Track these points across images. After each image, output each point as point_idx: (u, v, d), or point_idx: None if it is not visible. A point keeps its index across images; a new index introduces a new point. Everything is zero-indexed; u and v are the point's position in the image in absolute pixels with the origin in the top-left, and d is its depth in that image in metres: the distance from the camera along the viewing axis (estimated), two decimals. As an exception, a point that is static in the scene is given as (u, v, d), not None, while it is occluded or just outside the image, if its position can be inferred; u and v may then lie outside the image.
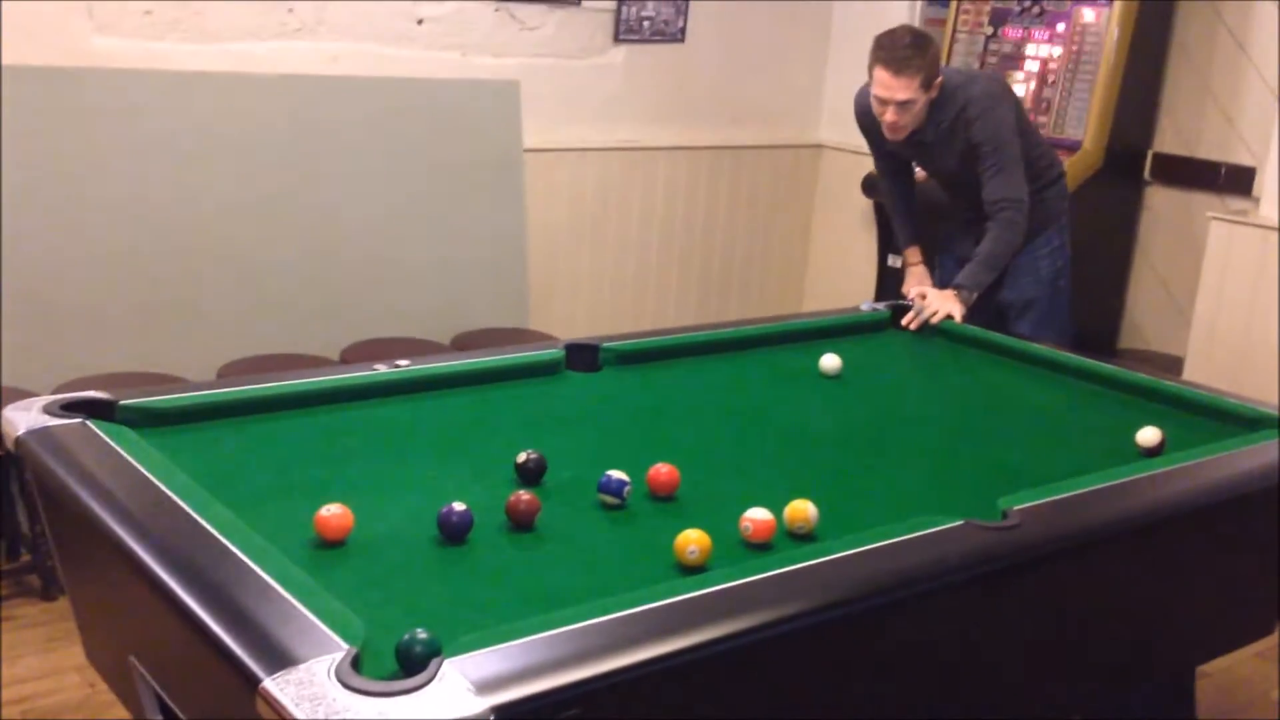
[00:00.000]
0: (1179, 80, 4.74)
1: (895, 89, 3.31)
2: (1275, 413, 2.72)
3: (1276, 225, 4.10)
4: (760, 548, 1.99)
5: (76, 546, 2.20)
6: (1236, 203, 4.53)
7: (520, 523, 2.03)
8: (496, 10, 4.43)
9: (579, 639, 1.58)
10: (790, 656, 1.76)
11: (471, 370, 2.75)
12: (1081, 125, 4.58)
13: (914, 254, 3.79)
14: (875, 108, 3.41)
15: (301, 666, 1.46)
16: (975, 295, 3.43)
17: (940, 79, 3.39)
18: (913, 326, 3.34)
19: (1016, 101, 3.58)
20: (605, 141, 4.83)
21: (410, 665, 1.50)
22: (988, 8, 4.88)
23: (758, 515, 2.01)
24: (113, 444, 2.13)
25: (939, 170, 3.69)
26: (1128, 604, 2.31)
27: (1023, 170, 3.45)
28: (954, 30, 4.98)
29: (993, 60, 4.88)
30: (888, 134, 3.45)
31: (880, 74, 3.34)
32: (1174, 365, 4.33)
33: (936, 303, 3.37)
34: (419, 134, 4.18)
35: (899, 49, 3.30)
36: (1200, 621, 2.57)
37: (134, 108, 3.68)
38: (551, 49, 4.61)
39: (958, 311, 3.35)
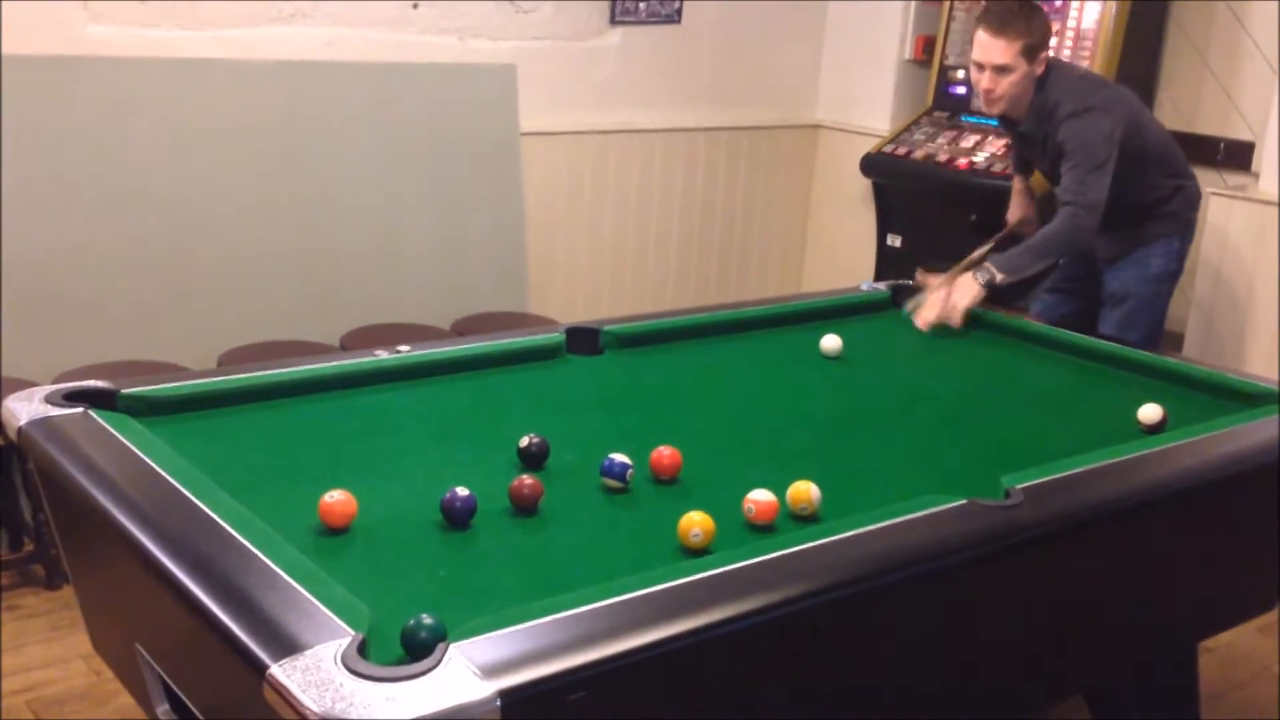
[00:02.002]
0: (1177, 55, 4.73)
1: (992, 51, 3.20)
2: (1275, 388, 2.73)
3: (1275, 200, 4.09)
4: (763, 529, 1.99)
5: (80, 536, 2.21)
6: (1235, 178, 4.53)
7: (523, 507, 2.03)
8: (492, -7, 4.42)
9: (584, 622, 1.58)
10: (795, 638, 1.76)
11: (472, 355, 2.75)
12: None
13: (1019, 180, 3.64)
14: (972, 75, 3.30)
15: (308, 653, 1.47)
16: (1000, 279, 3.21)
17: (1046, 53, 3.25)
18: (918, 323, 3.18)
19: (1132, 115, 3.41)
20: (602, 124, 4.82)
21: (416, 650, 1.51)
22: (985, -15, 4.87)
23: (760, 497, 2.01)
24: (115, 433, 2.14)
25: (1045, 171, 3.59)
26: (1130, 581, 2.31)
27: (1106, 179, 3.27)
28: (951, 7, 4.97)
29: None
30: (983, 105, 3.33)
31: (979, 34, 3.23)
32: (1174, 341, 4.33)
33: (937, 307, 3.18)
34: (416, 119, 4.17)
35: (1002, 9, 3.20)
36: (1203, 597, 2.58)
37: (130, 96, 3.67)
38: (548, 32, 4.59)
39: (956, 317, 3.17)
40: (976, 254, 3.36)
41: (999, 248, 3.38)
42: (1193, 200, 3.67)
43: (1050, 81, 3.32)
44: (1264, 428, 2.53)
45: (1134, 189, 3.49)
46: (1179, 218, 3.63)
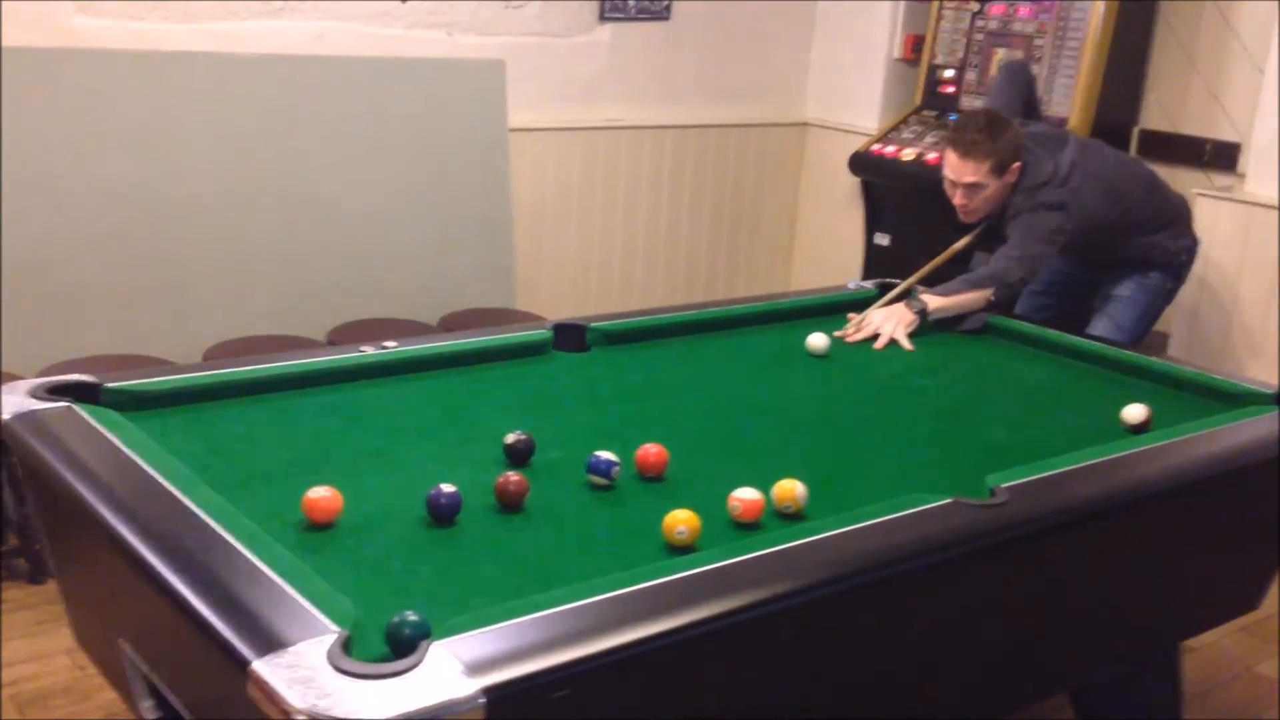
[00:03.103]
0: (1165, 56, 4.74)
1: (962, 172, 3.29)
2: (1261, 388, 2.74)
3: (1261, 201, 4.11)
4: (749, 527, 1.99)
5: (64, 530, 2.20)
6: (1221, 179, 4.54)
7: (509, 504, 2.03)
8: (481, -12, 4.41)
9: (569, 620, 1.58)
10: (779, 635, 1.76)
11: (459, 351, 2.75)
12: (1067, 101, 4.58)
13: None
14: (946, 188, 3.38)
15: (292, 649, 1.46)
16: (933, 308, 3.19)
17: (1018, 165, 3.30)
18: (848, 339, 3.12)
19: (1095, 203, 3.41)
20: (591, 120, 4.82)
21: (400, 647, 1.50)
22: (974, -17, 4.88)
23: (746, 495, 2.01)
24: (98, 427, 2.13)
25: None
26: (1115, 580, 2.32)
27: (1044, 251, 3.34)
28: (940, 6, 4.97)
29: (979, 37, 4.88)
30: (960, 215, 3.41)
31: (948, 155, 3.33)
32: (1160, 342, 4.35)
33: (878, 321, 3.16)
34: (404, 114, 4.16)
35: (968, 132, 3.28)
36: (1186, 596, 2.59)
37: (116, 89, 3.65)
38: (537, 28, 4.58)
39: (901, 333, 3.12)
40: (907, 282, 3.37)
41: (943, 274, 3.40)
42: (1179, 235, 3.70)
43: (1019, 183, 3.35)
44: (1248, 428, 2.54)
45: (1126, 247, 3.60)
46: (1177, 261, 3.71)
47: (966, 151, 3.28)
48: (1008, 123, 3.33)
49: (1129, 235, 3.60)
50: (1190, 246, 3.74)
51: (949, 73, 4.96)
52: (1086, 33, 4.54)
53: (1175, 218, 3.70)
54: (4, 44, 3.47)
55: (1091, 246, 3.59)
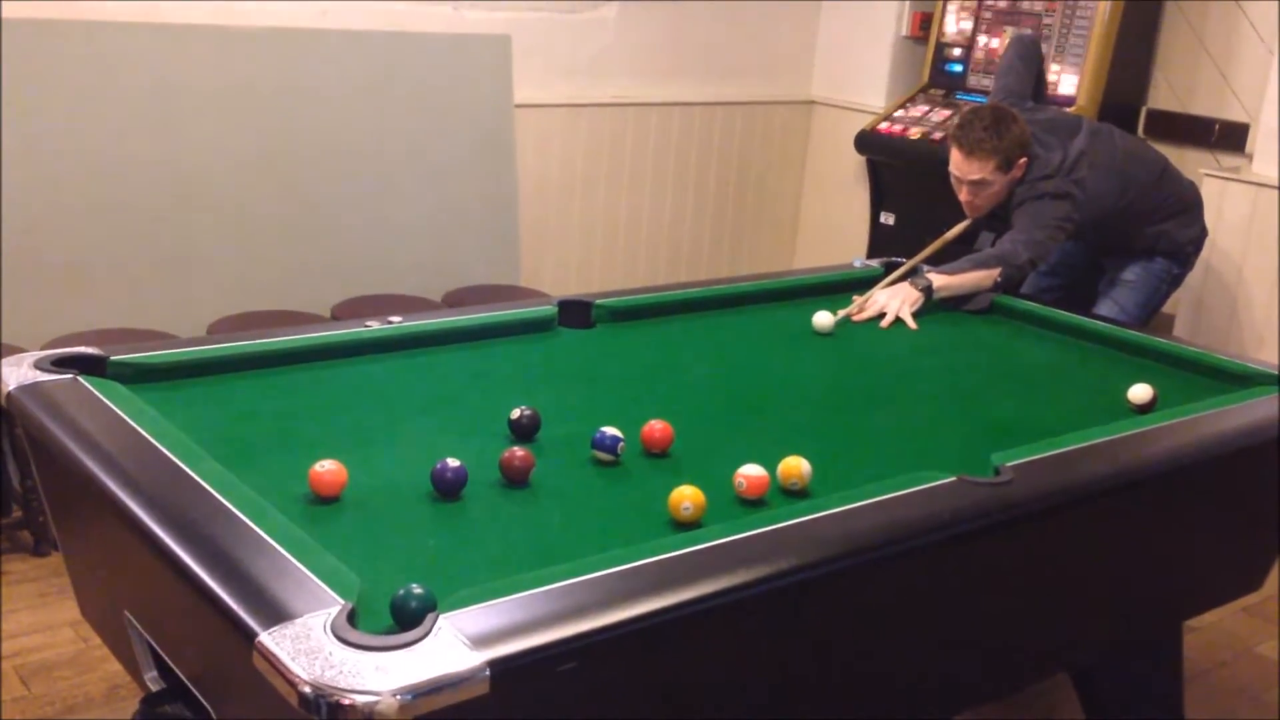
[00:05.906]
0: (1173, 35, 4.72)
1: (967, 170, 3.28)
2: (1267, 369, 2.74)
3: (1268, 182, 4.10)
4: (754, 504, 1.99)
5: (69, 502, 2.20)
6: (1229, 159, 4.53)
7: (514, 479, 2.03)
8: (487, -37, 4.39)
9: (573, 594, 1.59)
10: (783, 612, 1.77)
11: (464, 327, 2.74)
12: (1075, 80, 4.57)
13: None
14: (953, 182, 3.37)
15: (298, 621, 1.47)
16: (938, 285, 3.18)
17: (1024, 159, 3.29)
18: (854, 318, 3.09)
19: (1103, 193, 3.42)
20: (597, 97, 4.80)
21: (406, 620, 1.50)
22: (982, -38, 4.85)
23: (751, 472, 2.01)
24: (104, 399, 2.13)
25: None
26: (1118, 559, 2.32)
27: (1052, 235, 3.32)
28: (948, -15, 4.95)
29: (987, 15, 4.85)
30: (966, 210, 3.41)
31: (953, 153, 3.31)
32: (1165, 322, 4.34)
33: (884, 300, 3.13)
34: (409, 89, 4.15)
35: (973, 131, 3.25)
36: (1190, 576, 2.59)
37: (121, 62, 3.64)
38: (543, 3, 4.56)
39: (906, 312, 3.11)
40: (913, 261, 3.36)
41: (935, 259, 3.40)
42: (1190, 223, 3.69)
43: (1025, 175, 3.34)
44: (1252, 408, 2.53)
45: (1134, 234, 3.60)
46: (1184, 251, 3.71)
47: (971, 150, 3.26)
48: (1014, 118, 3.30)
49: (1138, 223, 3.59)
50: (1199, 236, 3.73)
51: (957, 51, 4.94)
52: (1095, 12, 4.52)
53: (1186, 206, 3.69)
54: (12, 16, 3.46)
55: (1100, 233, 3.58)
